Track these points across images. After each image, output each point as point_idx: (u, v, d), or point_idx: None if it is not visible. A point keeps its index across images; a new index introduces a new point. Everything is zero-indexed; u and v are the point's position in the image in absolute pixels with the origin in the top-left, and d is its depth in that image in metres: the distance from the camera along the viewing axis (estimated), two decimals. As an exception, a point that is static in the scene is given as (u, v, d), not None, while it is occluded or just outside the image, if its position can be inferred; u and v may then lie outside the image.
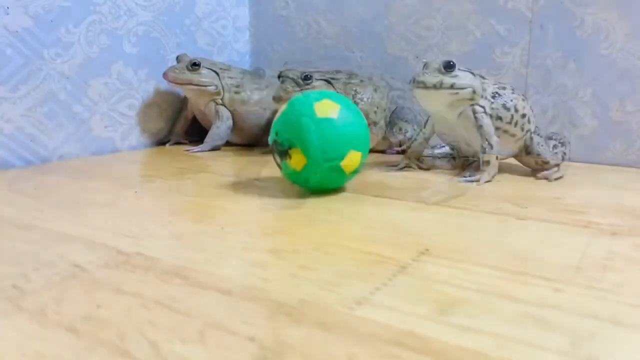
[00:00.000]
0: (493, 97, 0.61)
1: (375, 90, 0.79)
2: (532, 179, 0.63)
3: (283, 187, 0.56)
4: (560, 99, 0.75)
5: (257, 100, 0.84)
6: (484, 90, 0.60)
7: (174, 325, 0.26)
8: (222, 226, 0.43)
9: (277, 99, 0.72)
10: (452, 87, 0.58)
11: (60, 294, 0.30)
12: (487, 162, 0.59)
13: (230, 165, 0.72)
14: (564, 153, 0.66)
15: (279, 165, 0.52)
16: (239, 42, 1.02)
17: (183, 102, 0.88)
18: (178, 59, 0.82)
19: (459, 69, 0.59)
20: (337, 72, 0.80)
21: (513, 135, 0.62)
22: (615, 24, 0.70)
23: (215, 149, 0.83)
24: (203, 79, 0.81)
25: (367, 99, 0.77)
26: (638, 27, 0.68)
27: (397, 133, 0.80)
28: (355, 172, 0.52)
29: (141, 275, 0.33)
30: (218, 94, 0.83)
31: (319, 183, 0.51)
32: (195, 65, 0.80)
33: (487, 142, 0.59)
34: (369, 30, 0.89)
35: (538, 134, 0.64)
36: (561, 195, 0.53)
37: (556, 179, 0.62)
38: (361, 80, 0.79)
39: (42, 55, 0.69)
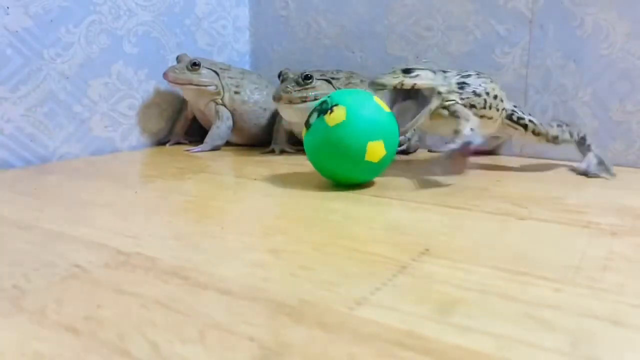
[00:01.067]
0: (460, 87, 0.60)
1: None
2: (532, 179, 0.63)
3: (283, 187, 0.56)
4: (560, 99, 0.75)
5: (257, 100, 0.84)
6: (448, 84, 0.59)
7: (174, 325, 0.26)
8: (222, 226, 0.43)
9: (277, 99, 0.72)
10: (413, 87, 0.57)
11: (60, 294, 0.30)
12: (457, 132, 0.56)
13: (230, 165, 0.72)
14: (571, 132, 0.66)
15: (308, 125, 0.54)
16: (239, 42, 1.02)
17: (183, 102, 0.88)
18: (178, 59, 0.82)
19: (419, 69, 0.57)
20: (338, 71, 0.80)
21: (490, 118, 0.62)
22: (615, 24, 0.70)
23: (215, 149, 0.83)
24: (203, 79, 0.81)
25: None
26: (638, 27, 0.68)
27: None
28: (387, 159, 0.54)
29: (141, 275, 0.32)
30: (218, 94, 0.83)
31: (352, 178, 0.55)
32: (195, 65, 0.80)
33: (465, 120, 0.57)
34: (369, 30, 0.89)
35: (521, 111, 0.65)
36: (561, 195, 0.53)
37: (596, 174, 0.63)
38: (361, 80, 0.79)
39: (42, 55, 0.69)
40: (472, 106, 0.60)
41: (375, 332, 0.25)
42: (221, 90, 0.83)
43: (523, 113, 0.65)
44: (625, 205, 0.50)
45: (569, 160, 0.74)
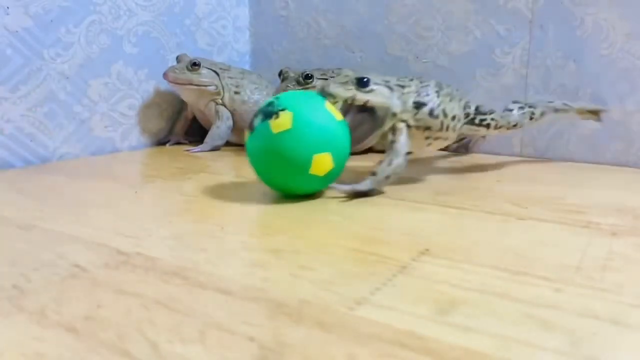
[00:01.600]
0: (416, 107, 0.54)
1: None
2: (532, 179, 0.63)
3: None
4: (561, 99, 0.74)
5: (257, 101, 0.84)
6: (404, 103, 0.53)
7: (174, 325, 0.26)
8: (222, 226, 0.43)
9: None
10: (365, 105, 0.51)
11: (60, 294, 0.30)
12: (374, 174, 0.51)
13: (230, 165, 0.72)
14: (532, 113, 0.63)
15: (251, 128, 0.49)
16: (239, 42, 1.02)
17: (183, 102, 0.88)
18: (178, 59, 0.82)
19: (375, 83, 0.51)
20: (339, 70, 0.80)
21: (446, 139, 0.57)
22: (615, 24, 0.70)
23: (215, 149, 0.83)
24: (203, 79, 0.81)
25: None
26: (638, 27, 0.68)
27: None
28: (334, 172, 0.49)
29: (141, 275, 0.33)
30: (218, 94, 0.83)
31: (290, 188, 0.50)
32: (195, 65, 0.80)
33: (390, 159, 0.51)
34: (369, 30, 0.89)
35: (490, 111, 0.61)
36: (561, 195, 0.53)
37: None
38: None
39: (42, 56, 0.69)
40: (426, 128, 0.54)
41: (375, 332, 0.25)
42: (221, 91, 0.83)
43: (484, 113, 0.61)
44: (626, 205, 0.50)
45: (570, 160, 0.74)
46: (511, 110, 0.62)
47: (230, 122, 0.83)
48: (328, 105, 0.49)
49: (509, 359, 0.23)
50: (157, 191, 0.55)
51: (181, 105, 0.89)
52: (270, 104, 0.49)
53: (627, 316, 0.27)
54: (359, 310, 0.28)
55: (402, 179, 0.61)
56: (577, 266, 0.34)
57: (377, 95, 0.51)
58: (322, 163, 0.47)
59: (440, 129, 0.55)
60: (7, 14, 0.66)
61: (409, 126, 0.53)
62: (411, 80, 0.56)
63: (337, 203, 0.50)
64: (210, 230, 0.42)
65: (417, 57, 0.85)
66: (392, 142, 0.52)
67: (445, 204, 0.50)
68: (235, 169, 0.69)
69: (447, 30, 0.82)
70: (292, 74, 0.74)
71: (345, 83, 0.51)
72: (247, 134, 0.50)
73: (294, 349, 0.24)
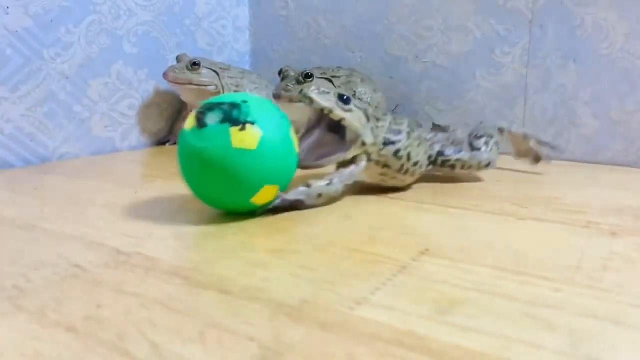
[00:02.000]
0: (384, 144, 0.50)
1: (375, 90, 0.79)
2: (532, 179, 0.63)
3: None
4: (561, 99, 0.75)
5: (257, 100, 0.84)
6: (375, 137, 0.50)
7: (174, 326, 0.26)
8: (222, 226, 0.43)
9: (278, 97, 0.72)
10: (341, 122, 0.47)
11: (60, 294, 0.30)
12: (308, 185, 0.47)
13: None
14: (497, 143, 0.60)
15: (200, 123, 0.42)
16: (239, 42, 1.02)
17: (183, 102, 0.88)
18: (178, 59, 0.82)
19: (355, 106, 0.48)
20: (339, 69, 0.80)
21: (402, 182, 0.54)
22: (615, 24, 0.70)
23: (215, 149, 0.82)
24: (203, 79, 0.81)
25: (367, 98, 0.76)
26: (638, 27, 0.68)
27: None
28: (270, 203, 0.45)
29: (141, 275, 0.33)
30: (218, 93, 0.83)
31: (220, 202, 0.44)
32: (195, 65, 0.80)
33: (331, 179, 0.48)
34: (369, 30, 0.89)
35: (456, 152, 0.58)
36: (561, 196, 0.53)
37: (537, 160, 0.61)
38: (361, 80, 0.79)
39: (42, 56, 0.69)
40: (386, 166, 0.51)
41: (375, 332, 0.25)
42: (221, 90, 0.83)
43: (450, 154, 0.57)
44: (625, 205, 0.50)
45: (570, 160, 0.74)
46: (479, 148, 0.58)
47: (230, 122, 0.83)
48: (292, 132, 0.44)
49: (509, 359, 0.23)
50: (157, 191, 0.55)
51: (181, 105, 0.89)
52: (235, 106, 0.41)
53: (627, 316, 0.27)
54: (359, 310, 0.28)
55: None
56: (577, 266, 0.34)
57: (355, 118, 0.47)
58: (268, 194, 0.43)
59: (399, 171, 0.52)
60: (7, 14, 0.66)
61: (369, 160, 0.50)
62: (385, 115, 0.53)
63: (337, 203, 0.50)
64: (210, 230, 0.42)
65: (417, 57, 0.85)
66: (347, 166, 0.49)
67: (446, 204, 0.50)
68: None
69: (447, 30, 0.82)
70: (292, 73, 0.74)
71: (327, 93, 0.47)
72: (188, 123, 0.43)
73: (294, 349, 0.24)
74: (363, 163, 0.50)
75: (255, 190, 0.42)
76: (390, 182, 0.53)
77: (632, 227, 0.43)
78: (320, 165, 0.48)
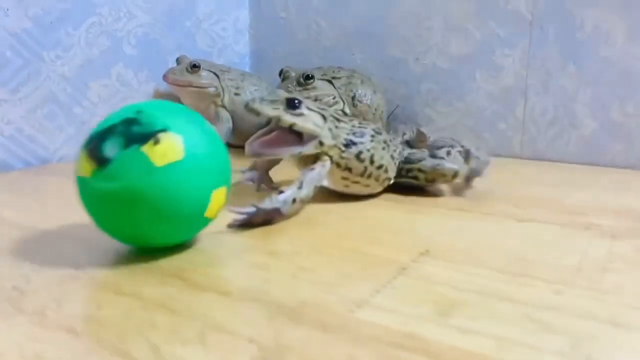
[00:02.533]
0: (346, 145, 0.49)
1: (375, 92, 0.79)
2: (532, 180, 0.63)
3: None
4: (560, 101, 0.75)
5: (257, 102, 0.84)
6: (336, 137, 0.48)
7: (174, 327, 0.26)
8: (222, 227, 0.43)
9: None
10: (291, 127, 0.45)
11: (60, 295, 0.30)
12: (280, 192, 0.45)
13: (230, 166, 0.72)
14: (466, 151, 0.56)
15: (99, 160, 0.33)
16: (239, 44, 1.02)
17: (183, 104, 0.88)
18: (178, 60, 0.82)
19: (308, 108, 0.47)
20: (340, 69, 0.80)
21: (367, 186, 0.52)
22: (615, 25, 0.70)
23: (215, 150, 0.82)
24: (203, 81, 0.81)
25: (367, 100, 0.76)
26: (638, 29, 0.68)
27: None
28: (219, 211, 0.38)
29: (141, 276, 0.32)
30: (218, 95, 0.83)
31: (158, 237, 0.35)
32: (195, 67, 0.80)
33: (301, 182, 0.46)
34: (369, 31, 0.89)
35: (421, 158, 0.54)
36: (561, 197, 0.53)
37: (469, 181, 0.54)
38: (362, 81, 0.79)
39: (42, 57, 0.69)
40: (347, 169, 0.49)
41: (375, 333, 0.25)
42: (221, 92, 0.83)
43: (413, 160, 0.54)
44: (626, 206, 0.50)
45: (570, 161, 0.74)
46: (442, 158, 0.54)
47: (230, 124, 0.83)
48: (207, 122, 0.38)
49: (509, 361, 0.23)
50: (157, 193, 0.55)
51: (181, 106, 0.89)
52: (131, 121, 0.33)
53: (627, 318, 0.27)
54: (359, 311, 0.28)
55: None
56: (577, 268, 0.34)
57: (307, 121, 0.46)
58: (219, 200, 0.36)
59: (362, 175, 0.50)
60: (7, 16, 0.66)
61: (331, 162, 0.49)
62: (352, 119, 0.52)
63: (337, 203, 0.50)
64: (209, 231, 0.41)
65: (417, 59, 0.85)
66: (311, 169, 0.47)
67: (445, 206, 0.50)
68: (235, 170, 0.69)
69: (447, 32, 0.82)
70: (292, 74, 0.74)
71: (275, 102, 0.46)
72: (81, 168, 0.34)
73: (294, 351, 0.24)
74: (328, 163, 0.48)
75: (205, 202, 0.35)
76: (354, 188, 0.51)
77: (632, 229, 0.43)
78: (270, 154, 0.46)
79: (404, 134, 0.60)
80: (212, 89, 0.82)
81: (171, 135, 0.33)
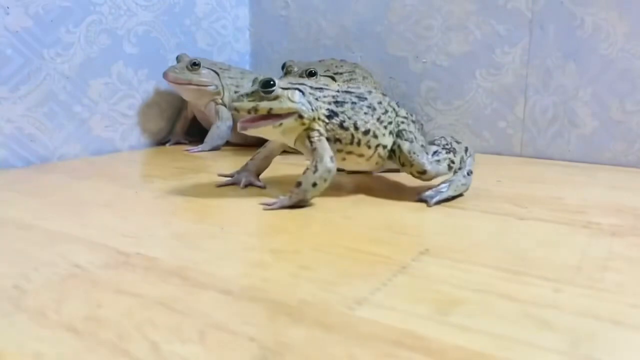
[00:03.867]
0: (328, 117, 0.50)
1: (376, 88, 0.79)
2: (532, 179, 0.63)
3: (283, 187, 0.56)
4: (560, 99, 0.75)
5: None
6: (315, 110, 0.50)
7: (174, 325, 0.26)
8: (222, 226, 0.43)
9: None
10: (269, 112, 0.48)
11: (60, 294, 0.30)
12: (299, 184, 0.48)
13: (230, 165, 0.72)
14: (452, 161, 0.52)
15: None
16: (239, 42, 1.02)
17: (183, 102, 0.88)
18: (178, 59, 0.82)
19: (283, 88, 0.48)
20: (342, 63, 0.80)
21: (361, 155, 0.52)
22: (615, 24, 0.70)
23: (215, 149, 0.83)
24: (203, 79, 0.81)
25: None
26: (638, 27, 0.68)
27: None
28: None
29: (141, 275, 0.33)
30: (218, 93, 0.83)
31: None
32: (195, 65, 0.80)
33: (314, 165, 0.48)
34: (369, 30, 0.89)
35: (408, 139, 0.52)
36: (561, 195, 0.53)
37: (439, 202, 0.50)
38: (363, 77, 0.79)
39: (42, 55, 0.69)
40: (337, 140, 0.51)
41: (375, 332, 0.25)
42: (221, 90, 0.83)
43: (404, 135, 0.53)
44: (626, 205, 0.50)
45: (570, 159, 0.74)
46: (426, 152, 0.52)
47: (231, 122, 0.83)
48: None
49: (509, 359, 0.23)
50: (157, 191, 0.55)
51: (181, 105, 0.89)
52: None
53: (627, 316, 0.27)
54: (359, 310, 0.28)
55: (402, 180, 0.61)
56: (577, 266, 0.34)
57: (283, 102, 0.48)
58: None
59: (351, 143, 0.51)
60: (7, 14, 0.66)
61: (320, 135, 0.50)
62: (340, 84, 0.53)
63: (337, 203, 0.50)
64: (210, 230, 0.42)
65: (417, 57, 0.85)
66: (314, 149, 0.49)
67: (445, 204, 0.50)
68: (236, 168, 0.69)
69: (447, 31, 0.82)
70: (295, 68, 0.74)
71: (250, 94, 0.48)
72: None
73: (294, 349, 0.24)
74: (321, 137, 0.50)
75: None
76: (351, 160, 0.52)
77: (632, 227, 0.43)
78: (255, 127, 0.49)
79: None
80: (212, 87, 0.82)
81: None
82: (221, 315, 0.27)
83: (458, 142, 0.55)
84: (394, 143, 0.53)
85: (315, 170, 0.48)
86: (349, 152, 0.52)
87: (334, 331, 0.26)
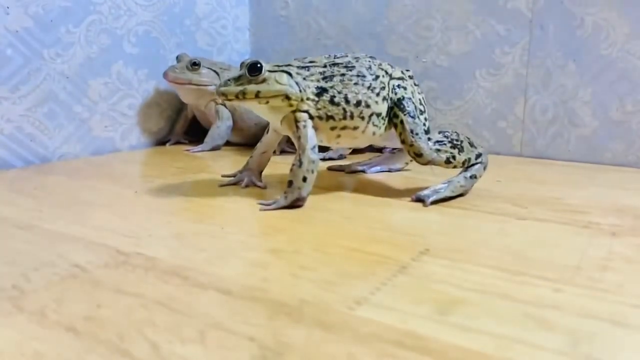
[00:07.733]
0: (318, 94, 0.50)
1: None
2: (532, 179, 0.63)
3: (283, 187, 0.56)
4: (560, 99, 0.75)
5: (257, 100, 0.84)
6: (303, 90, 0.49)
7: (174, 325, 0.26)
8: (222, 226, 0.43)
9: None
10: (257, 96, 0.48)
11: (60, 294, 0.30)
12: (290, 183, 0.48)
13: (230, 165, 0.72)
14: (453, 157, 0.51)
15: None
16: (239, 42, 1.02)
17: (183, 102, 0.88)
18: (178, 58, 0.82)
19: (270, 71, 0.48)
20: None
21: (355, 128, 0.51)
22: (615, 24, 0.70)
23: (215, 148, 0.83)
24: (203, 79, 0.81)
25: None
26: (638, 27, 0.68)
27: None
28: None
29: (141, 275, 0.32)
30: (218, 93, 0.83)
31: None
32: (195, 65, 0.80)
33: (298, 159, 0.48)
34: (369, 30, 0.89)
35: (410, 113, 0.52)
36: (561, 196, 0.53)
37: (436, 202, 0.50)
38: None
39: (42, 55, 0.69)
40: (330, 117, 0.50)
41: (375, 332, 0.25)
42: (221, 90, 0.83)
43: (403, 108, 0.52)
44: (626, 205, 0.50)
45: (570, 159, 0.74)
46: (430, 139, 0.52)
47: (230, 122, 0.83)
48: None
49: (509, 359, 0.23)
50: (157, 191, 0.55)
51: (181, 105, 0.89)
52: None
53: (627, 316, 0.27)
54: (359, 310, 0.28)
55: (403, 179, 0.61)
56: (577, 266, 0.34)
57: (270, 85, 0.48)
58: None
59: (344, 117, 0.50)
60: (7, 14, 0.66)
61: (311, 117, 0.50)
62: (328, 56, 0.53)
63: (337, 203, 0.50)
64: (210, 230, 0.42)
65: (417, 57, 0.85)
66: (298, 137, 0.49)
67: (445, 204, 0.50)
68: (236, 168, 0.69)
69: (447, 30, 0.82)
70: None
71: (237, 78, 0.49)
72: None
73: (294, 349, 0.24)
74: (307, 122, 0.49)
75: None
76: (346, 137, 0.52)
77: (632, 227, 0.43)
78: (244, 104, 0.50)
79: None
80: (212, 87, 0.82)
81: None
82: (221, 315, 0.27)
83: (472, 145, 0.53)
84: (391, 110, 0.52)
85: (301, 164, 0.48)
86: (344, 128, 0.51)
87: (334, 331, 0.26)
